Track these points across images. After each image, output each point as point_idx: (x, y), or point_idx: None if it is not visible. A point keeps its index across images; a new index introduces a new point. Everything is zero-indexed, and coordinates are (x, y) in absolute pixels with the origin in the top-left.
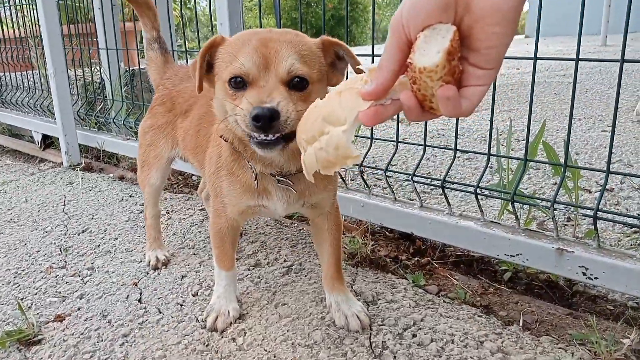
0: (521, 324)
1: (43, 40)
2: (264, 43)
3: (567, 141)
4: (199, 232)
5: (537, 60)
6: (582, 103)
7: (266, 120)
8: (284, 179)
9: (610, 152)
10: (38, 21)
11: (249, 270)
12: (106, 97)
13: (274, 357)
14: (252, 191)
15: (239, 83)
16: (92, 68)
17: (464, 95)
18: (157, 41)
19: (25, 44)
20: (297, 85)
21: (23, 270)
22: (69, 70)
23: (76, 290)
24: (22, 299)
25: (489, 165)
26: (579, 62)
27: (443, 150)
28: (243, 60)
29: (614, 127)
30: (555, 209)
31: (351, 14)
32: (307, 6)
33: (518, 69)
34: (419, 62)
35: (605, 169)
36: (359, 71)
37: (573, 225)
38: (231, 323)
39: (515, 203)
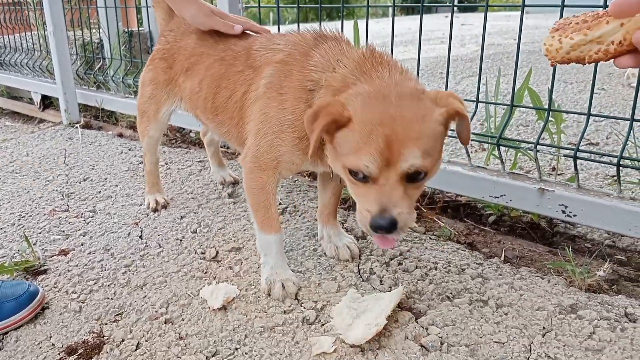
0: (502, 258)
1: None
2: (388, 143)
3: (550, 88)
4: (197, 179)
5: (532, 30)
6: (576, 69)
7: (385, 231)
8: None
9: (592, 94)
10: None
11: (245, 212)
12: (105, 57)
13: None
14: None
15: (358, 174)
16: (91, 29)
17: None
18: None
19: (23, 5)
20: (414, 176)
21: (27, 214)
22: (67, 31)
23: (79, 229)
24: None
25: (476, 112)
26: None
27: None
28: (366, 161)
29: (595, 71)
30: (538, 151)
31: None
32: None
33: (514, 39)
34: None
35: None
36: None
37: (556, 172)
38: (299, 289)
39: (501, 148)
